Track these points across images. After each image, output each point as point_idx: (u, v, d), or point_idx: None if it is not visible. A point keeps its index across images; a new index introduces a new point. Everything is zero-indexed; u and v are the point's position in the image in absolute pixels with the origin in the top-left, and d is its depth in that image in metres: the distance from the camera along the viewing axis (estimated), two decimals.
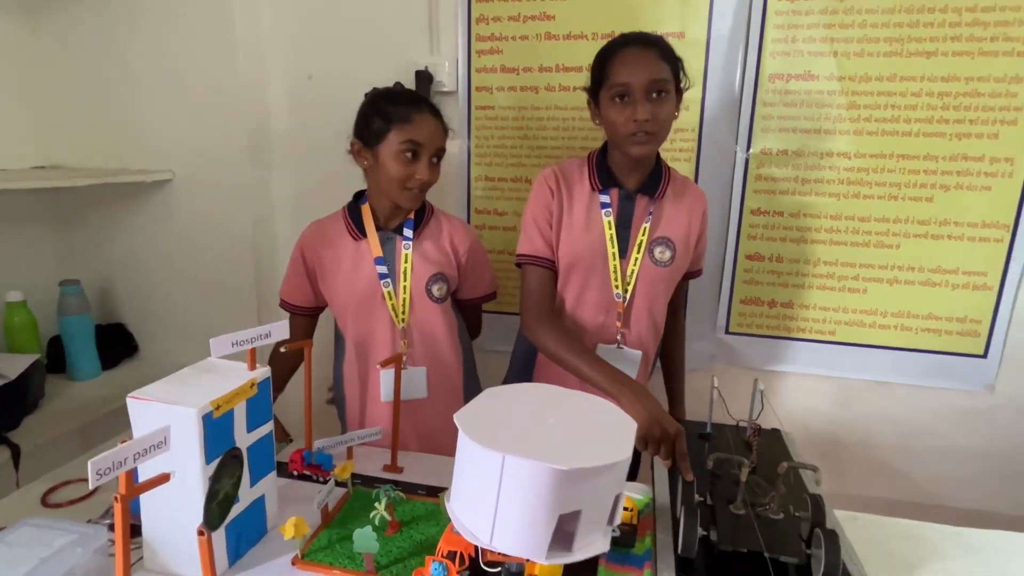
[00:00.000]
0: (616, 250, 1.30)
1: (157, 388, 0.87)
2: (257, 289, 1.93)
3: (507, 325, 1.69)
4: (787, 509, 0.98)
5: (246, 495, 0.93)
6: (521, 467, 0.63)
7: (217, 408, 0.84)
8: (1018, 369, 1.59)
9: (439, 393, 1.35)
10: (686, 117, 1.62)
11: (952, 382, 1.63)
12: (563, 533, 0.65)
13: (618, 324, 1.32)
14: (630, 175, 1.30)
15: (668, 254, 1.31)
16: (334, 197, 1.88)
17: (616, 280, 1.31)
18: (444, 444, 1.36)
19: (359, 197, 1.38)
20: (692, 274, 1.43)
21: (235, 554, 0.92)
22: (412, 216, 1.34)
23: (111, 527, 0.88)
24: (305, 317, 1.42)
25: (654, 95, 1.19)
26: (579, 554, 0.66)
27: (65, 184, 1.68)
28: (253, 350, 0.93)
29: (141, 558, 0.93)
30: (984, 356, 1.60)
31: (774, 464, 1.01)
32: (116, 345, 1.99)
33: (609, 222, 1.30)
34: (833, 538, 0.89)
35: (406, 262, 1.31)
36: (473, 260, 1.40)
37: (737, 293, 1.71)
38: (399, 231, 1.33)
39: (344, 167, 1.86)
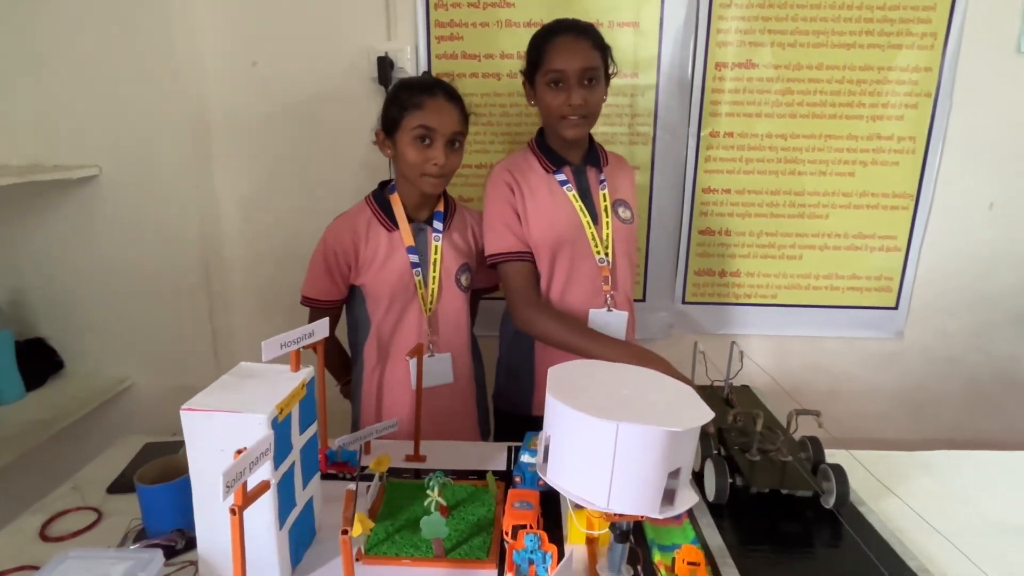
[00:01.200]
0: (588, 219, 1.38)
1: (209, 398, 0.82)
2: (208, 291, 1.81)
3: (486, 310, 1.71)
4: (794, 451, 1.11)
5: (300, 497, 0.91)
6: (636, 433, 0.68)
7: (281, 412, 0.81)
8: (921, 317, 1.87)
9: (458, 378, 1.39)
10: (642, 103, 1.73)
11: (871, 332, 1.89)
12: (665, 491, 0.72)
13: (606, 288, 1.40)
14: (572, 151, 1.40)
15: (628, 213, 1.43)
16: (286, 189, 1.81)
17: (596, 246, 1.39)
18: (460, 428, 1.39)
19: (383, 187, 1.38)
20: None
21: (296, 557, 0.90)
22: (441, 209, 1.36)
23: (165, 551, 0.84)
24: (333, 311, 1.39)
25: (586, 81, 1.29)
26: (680, 507, 0.73)
27: None
28: (297, 351, 0.90)
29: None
30: (895, 308, 1.86)
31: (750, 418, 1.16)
32: (37, 362, 1.79)
33: (574, 195, 1.38)
34: (840, 471, 1.04)
35: (436, 253, 1.33)
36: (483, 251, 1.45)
37: (692, 265, 1.85)
38: (429, 222, 1.35)
39: (296, 158, 1.79)
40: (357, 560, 0.92)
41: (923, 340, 1.89)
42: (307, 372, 0.91)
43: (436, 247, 1.34)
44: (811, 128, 1.73)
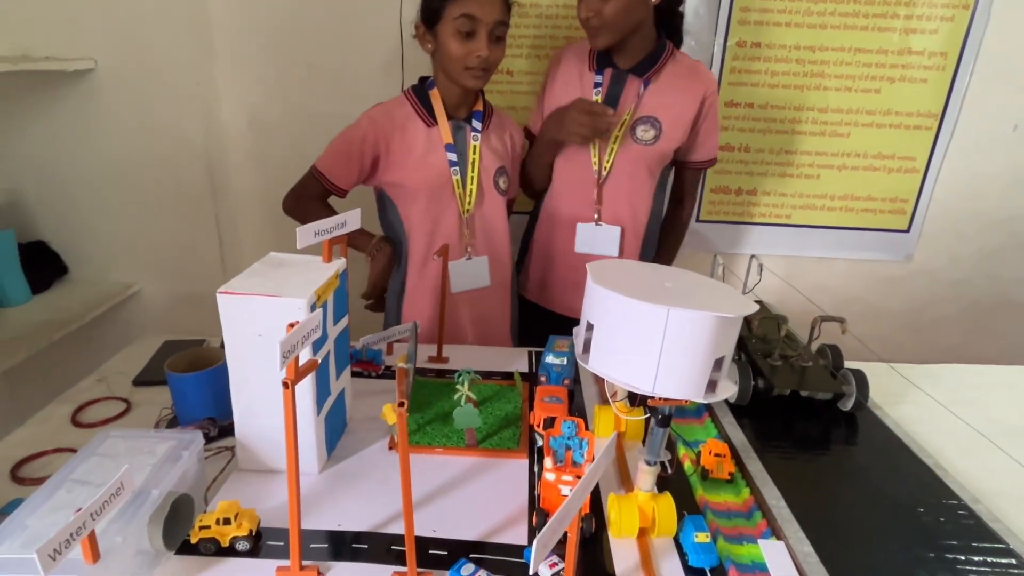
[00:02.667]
0: None
1: (244, 282, 0.81)
2: (214, 196, 1.76)
3: None
4: (814, 358, 1.13)
5: (334, 387, 0.91)
6: (687, 318, 0.68)
7: (318, 299, 0.80)
8: (932, 240, 1.88)
9: (495, 282, 1.38)
10: None
11: (880, 254, 1.90)
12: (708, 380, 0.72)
13: (594, 201, 1.39)
14: (624, 55, 1.34)
15: (652, 133, 1.36)
16: (292, 89, 1.73)
17: (594, 157, 1.37)
18: (496, 332, 1.40)
19: (424, 81, 1.32)
20: (705, 162, 1.47)
21: (330, 445, 0.91)
22: (480, 108, 1.32)
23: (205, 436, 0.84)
24: (330, 194, 1.34)
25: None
26: (722, 394, 0.74)
27: None
28: (329, 242, 0.88)
29: (229, 461, 0.90)
30: (907, 231, 1.86)
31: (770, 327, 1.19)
32: (41, 266, 1.76)
33: (597, 101, 1.35)
34: (862, 376, 1.06)
35: (475, 153, 1.30)
36: (522, 155, 1.45)
37: (708, 182, 1.82)
38: (468, 121, 1.30)
39: (303, 56, 1.70)
40: (390, 449, 0.94)
41: (931, 263, 1.91)
42: (340, 263, 0.90)
43: (475, 147, 1.30)
44: (841, 40, 1.67)
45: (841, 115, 1.74)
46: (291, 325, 0.62)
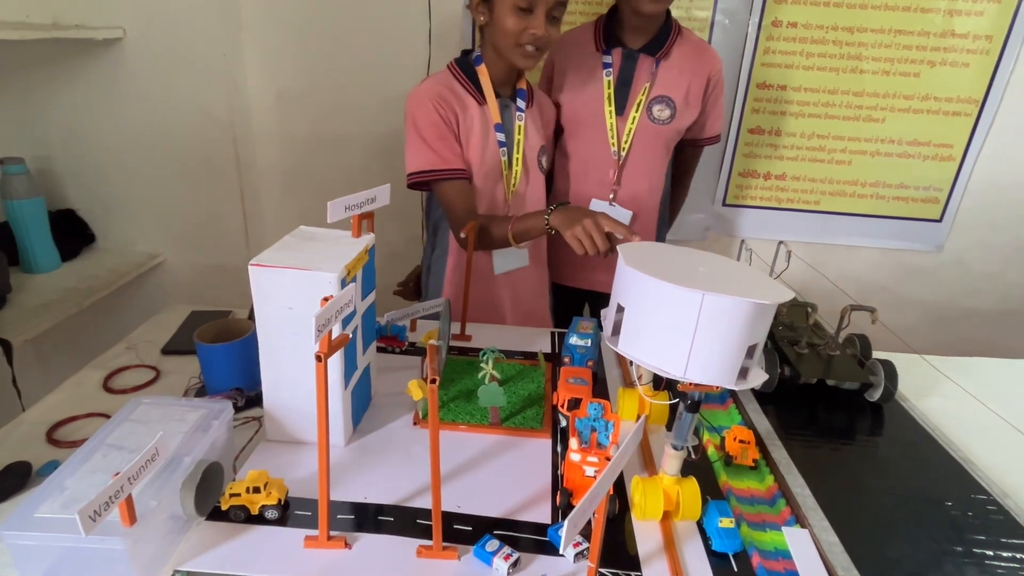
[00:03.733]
0: (613, 108, 1.35)
1: (275, 255, 0.81)
2: (238, 169, 1.76)
3: None
4: (841, 347, 1.12)
5: (361, 361, 0.92)
6: (721, 304, 0.67)
7: (348, 273, 0.80)
8: (964, 230, 1.84)
9: (534, 262, 1.36)
10: None
11: (911, 243, 1.86)
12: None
13: (612, 181, 1.38)
14: (635, 35, 1.33)
15: (667, 112, 1.35)
16: (317, 62, 1.72)
17: (612, 138, 1.35)
18: (534, 312, 1.39)
19: (467, 55, 1.25)
20: (704, 141, 1.47)
21: (355, 419, 0.92)
22: (523, 87, 1.27)
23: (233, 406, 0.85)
24: (467, 181, 1.22)
25: None
26: (753, 382, 0.73)
27: None
28: (358, 217, 0.88)
29: (257, 431, 0.91)
30: (939, 220, 1.82)
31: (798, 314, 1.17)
32: (70, 234, 1.78)
33: (608, 82, 1.34)
34: (890, 366, 1.04)
35: (520, 132, 1.26)
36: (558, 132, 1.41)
37: (736, 166, 1.79)
38: (512, 99, 1.26)
39: (329, 29, 1.69)
40: (415, 424, 0.94)
41: (962, 254, 1.87)
42: (369, 238, 0.90)
43: (520, 126, 1.26)
44: (881, 21, 1.61)
45: (877, 99, 1.70)
46: (325, 299, 0.62)
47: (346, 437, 0.89)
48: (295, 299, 0.79)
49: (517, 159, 1.26)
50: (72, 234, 1.79)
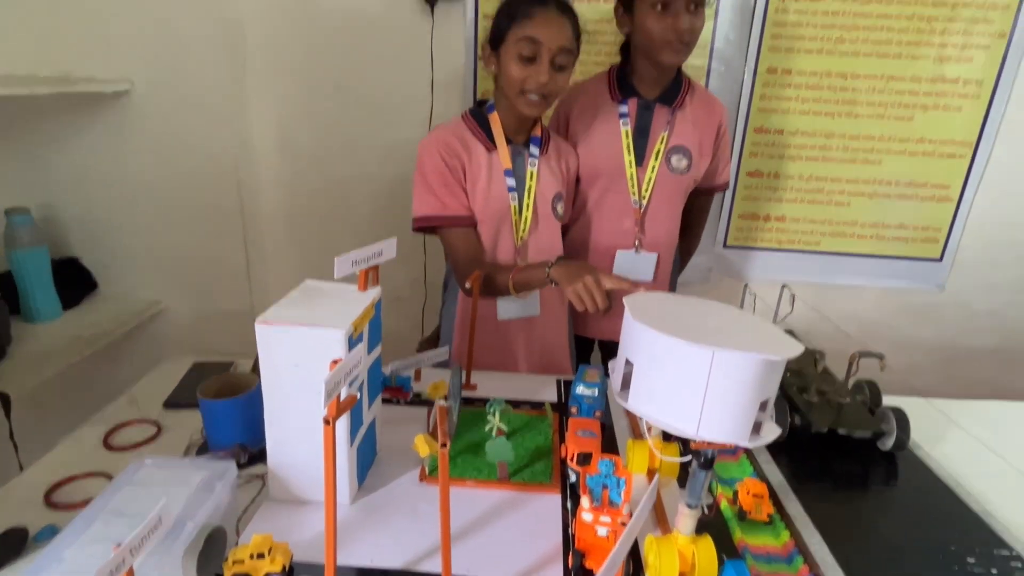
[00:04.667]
0: (632, 158, 1.36)
1: (281, 312, 0.80)
2: (242, 216, 1.78)
3: None
4: (851, 394, 1.10)
5: (367, 416, 0.91)
6: (732, 360, 0.66)
7: (355, 329, 0.80)
8: (965, 270, 1.84)
9: (550, 310, 1.34)
10: None
11: (912, 283, 1.86)
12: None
13: (636, 229, 1.39)
14: (650, 85, 1.35)
15: (685, 162, 1.37)
16: (320, 109, 1.75)
17: (633, 188, 1.37)
18: (555, 361, 1.37)
19: (481, 105, 1.27)
20: (716, 188, 1.49)
21: (360, 476, 0.91)
22: (538, 134, 1.28)
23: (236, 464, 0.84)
24: (472, 228, 1.24)
25: (692, 7, 1.22)
26: (766, 437, 0.72)
27: (2, 93, 1.42)
28: (365, 271, 0.88)
29: (260, 490, 0.89)
30: (940, 260, 1.83)
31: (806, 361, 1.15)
32: (72, 282, 1.78)
33: (627, 132, 1.35)
34: (902, 414, 1.03)
35: (531, 179, 1.26)
36: (575, 180, 1.39)
37: (737, 208, 1.81)
38: (526, 146, 1.27)
39: (331, 77, 1.72)
40: (421, 480, 0.93)
41: (964, 293, 1.87)
42: (376, 292, 0.89)
43: (532, 172, 1.26)
44: (873, 68, 1.65)
45: (873, 142, 1.72)
46: (334, 362, 0.62)
47: (352, 495, 0.87)
48: (302, 357, 0.78)
49: (528, 205, 1.27)
50: (75, 282, 1.78)
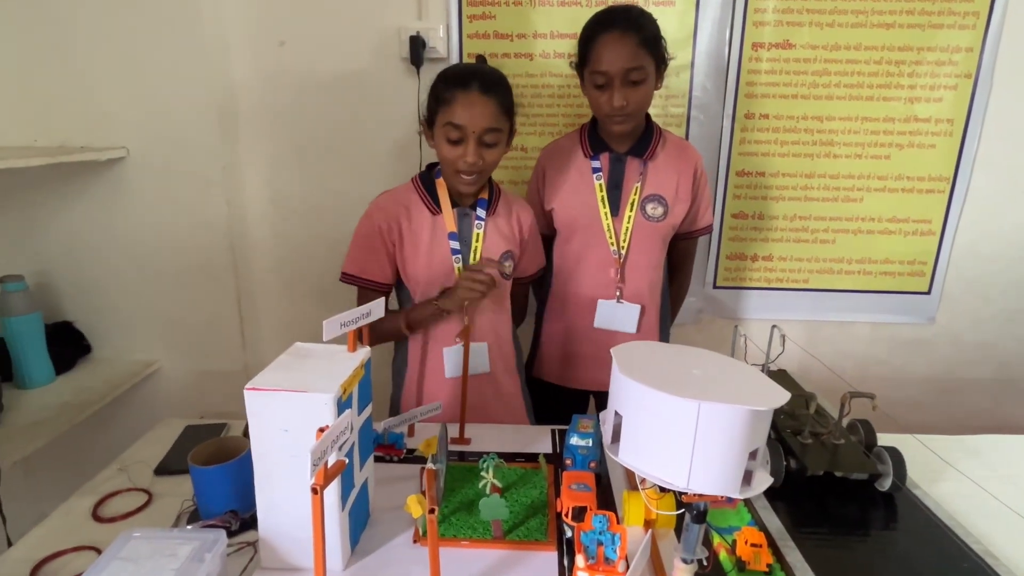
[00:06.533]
0: (608, 210, 1.40)
1: (271, 377, 0.81)
2: (235, 275, 1.79)
3: None
4: (845, 435, 1.10)
5: (358, 478, 0.90)
6: (719, 412, 0.67)
7: (344, 392, 0.80)
8: (953, 302, 1.86)
9: (497, 368, 1.35)
10: (676, 83, 1.70)
11: (902, 317, 1.87)
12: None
13: (616, 279, 1.41)
14: (620, 140, 1.40)
15: (660, 210, 1.41)
16: (311, 171, 1.79)
17: (611, 238, 1.40)
18: (505, 415, 1.37)
19: (431, 169, 1.32)
20: (699, 231, 1.52)
21: (353, 540, 0.89)
22: (485, 196, 1.31)
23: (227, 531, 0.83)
24: (379, 293, 1.31)
25: (631, 80, 1.28)
26: (758, 487, 0.72)
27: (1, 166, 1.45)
28: (354, 331, 0.89)
29: (252, 558, 0.88)
30: (928, 293, 1.85)
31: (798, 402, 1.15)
32: (66, 346, 1.78)
33: (600, 185, 1.40)
34: (897, 454, 1.03)
35: (477, 240, 1.29)
36: (532, 235, 1.40)
37: (724, 249, 1.84)
38: (473, 208, 1.31)
39: (322, 139, 1.77)
40: (415, 542, 0.91)
41: (955, 326, 1.88)
42: (364, 352, 0.90)
43: (478, 234, 1.29)
44: (847, 110, 1.71)
45: (853, 181, 1.76)
46: (321, 430, 0.62)
47: (344, 561, 0.86)
48: (291, 422, 0.78)
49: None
50: (68, 345, 1.78)
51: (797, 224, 1.80)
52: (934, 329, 1.89)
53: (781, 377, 1.43)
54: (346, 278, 1.31)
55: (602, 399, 1.55)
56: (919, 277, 1.84)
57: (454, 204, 1.29)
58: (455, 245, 1.28)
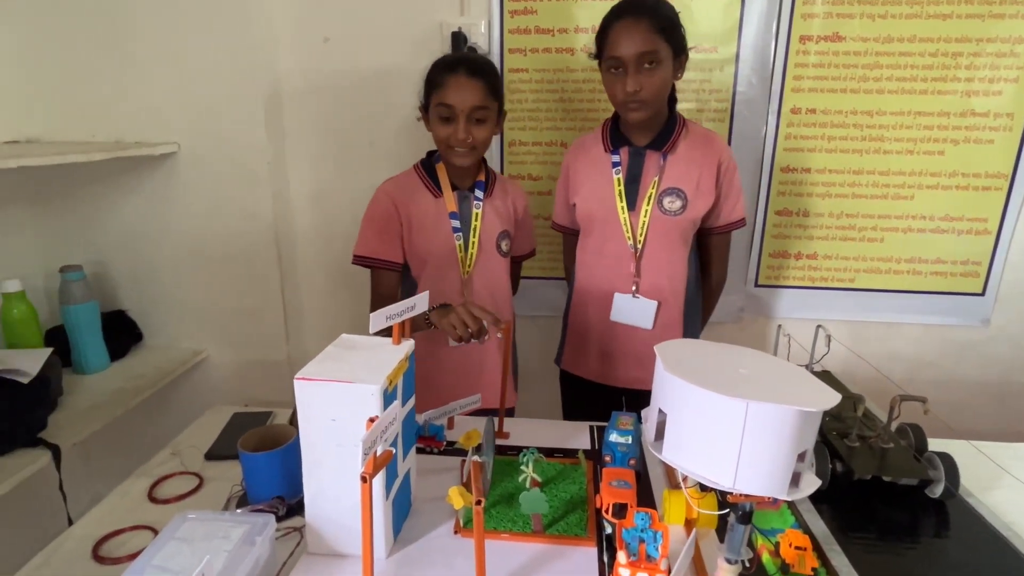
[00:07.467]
0: (624, 204, 1.39)
1: (319, 367, 0.83)
2: (280, 267, 1.84)
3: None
4: (894, 439, 1.07)
5: (401, 468, 0.92)
6: (768, 412, 0.66)
7: (390, 383, 0.82)
8: (1010, 304, 1.79)
9: (495, 344, 1.43)
10: (720, 78, 1.67)
11: (954, 319, 1.81)
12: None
13: (632, 274, 1.41)
14: (639, 134, 1.39)
15: (678, 203, 1.38)
16: (354, 165, 1.82)
17: (627, 232, 1.39)
18: (489, 385, 1.41)
19: (431, 155, 1.42)
20: (730, 226, 1.48)
21: (396, 529, 0.91)
22: (483, 179, 1.41)
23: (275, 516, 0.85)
24: (396, 273, 1.40)
25: (645, 65, 1.26)
26: (806, 489, 0.71)
27: (62, 161, 1.51)
28: (398, 324, 0.91)
29: (298, 543, 0.90)
30: (982, 294, 1.78)
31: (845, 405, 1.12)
32: (120, 334, 1.85)
33: (618, 179, 1.39)
34: (950, 460, 0.99)
35: (476, 219, 1.39)
36: (525, 218, 1.52)
37: (767, 247, 1.80)
38: (472, 191, 1.40)
39: (365, 134, 1.80)
40: (456, 533, 0.93)
41: (1011, 327, 1.81)
42: (409, 345, 0.91)
43: (477, 214, 1.39)
44: (899, 104, 1.65)
45: (904, 177, 1.71)
46: (371, 420, 0.63)
47: (387, 549, 0.88)
48: (339, 411, 0.80)
49: (473, 243, 1.38)
50: (122, 334, 1.85)
51: (844, 222, 1.76)
52: (988, 332, 1.81)
53: (825, 378, 1.40)
54: (359, 260, 1.39)
55: (633, 398, 1.54)
56: (973, 278, 1.77)
57: (454, 187, 1.38)
58: (456, 224, 1.37)
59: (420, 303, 0.93)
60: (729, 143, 1.71)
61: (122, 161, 1.72)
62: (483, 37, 1.68)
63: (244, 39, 1.66)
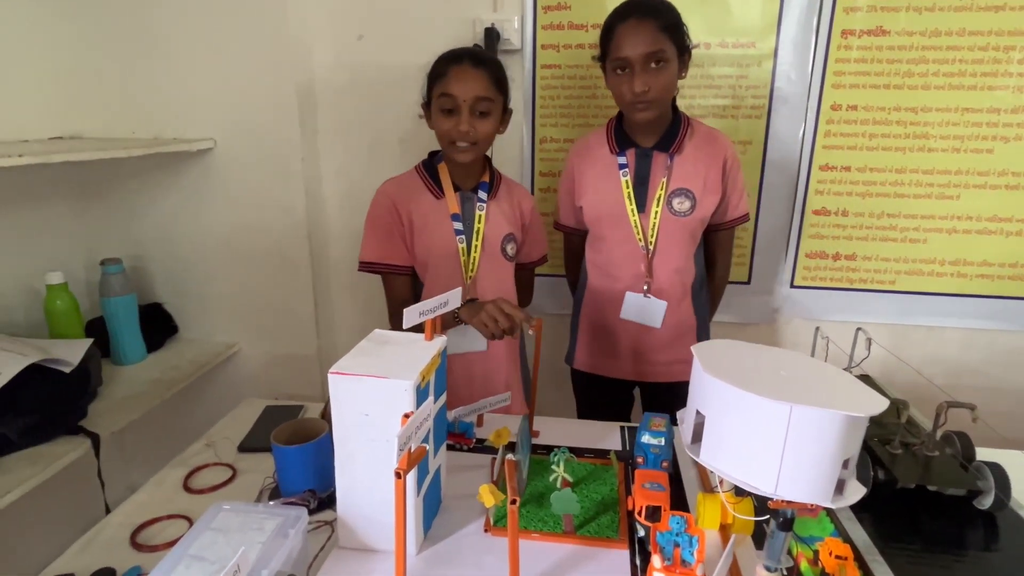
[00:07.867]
0: (634, 206, 1.38)
1: (353, 362, 0.83)
2: (312, 263, 1.85)
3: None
4: (940, 447, 1.03)
5: (432, 464, 0.91)
6: (812, 416, 0.64)
7: (423, 379, 0.81)
8: None
9: (498, 348, 1.38)
10: (757, 73, 1.63)
11: (1001, 324, 1.74)
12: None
13: (644, 274, 1.40)
14: (645, 135, 1.38)
15: (687, 204, 1.37)
16: (385, 162, 1.83)
17: (638, 234, 1.38)
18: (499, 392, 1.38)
19: (434, 156, 1.38)
20: (734, 222, 1.47)
21: (426, 525, 0.91)
22: (487, 180, 1.37)
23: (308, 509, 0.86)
24: (406, 276, 1.37)
25: (652, 65, 1.25)
26: (850, 497, 0.68)
27: (103, 156, 1.54)
28: (431, 320, 0.90)
29: (329, 537, 0.91)
30: None
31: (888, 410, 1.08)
32: (156, 326, 1.89)
33: (626, 181, 1.38)
34: (1000, 471, 0.95)
35: (479, 222, 1.34)
36: (533, 221, 1.47)
37: (803, 247, 1.76)
38: (475, 192, 1.36)
39: (396, 131, 1.81)
40: (486, 531, 0.92)
41: None
42: (441, 341, 0.91)
43: (480, 216, 1.34)
44: (946, 100, 1.59)
45: (949, 176, 1.65)
46: (406, 416, 0.63)
47: (418, 545, 0.87)
48: (372, 406, 0.80)
49: (476, 246, 1.34)
50: (158, 326, 1.89)
51: (885, 222, 1.70)
52: None
53: (865, 382, 1.35)
54: (365, 267, 1.35)
55: (648, 391, 1.55)
56: (1021, 281, 1.70)
57: (456, 188, 1.34)
58: (458, 226, 1.33)
59: (453, 299, 0.92)
60: (765, 140, 1.67)
61: (160, 157, 1.75)
62: (516, 33, 1.67)
63: (279, 37, 1.68)
